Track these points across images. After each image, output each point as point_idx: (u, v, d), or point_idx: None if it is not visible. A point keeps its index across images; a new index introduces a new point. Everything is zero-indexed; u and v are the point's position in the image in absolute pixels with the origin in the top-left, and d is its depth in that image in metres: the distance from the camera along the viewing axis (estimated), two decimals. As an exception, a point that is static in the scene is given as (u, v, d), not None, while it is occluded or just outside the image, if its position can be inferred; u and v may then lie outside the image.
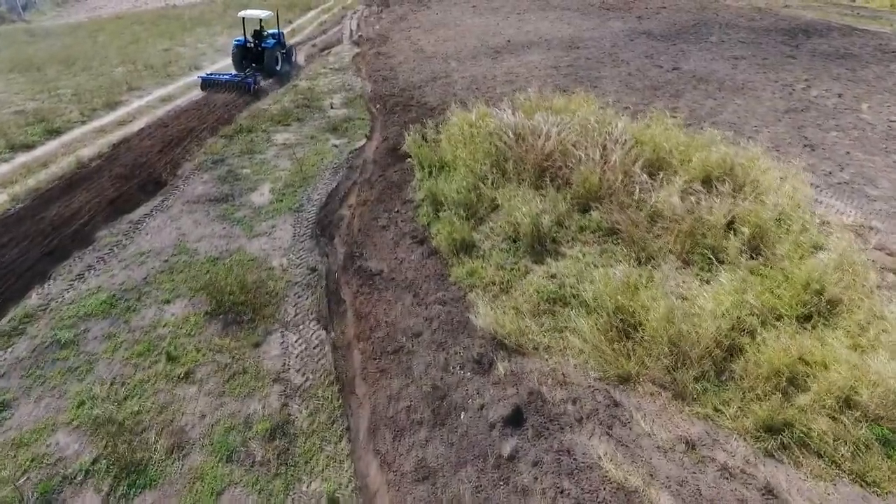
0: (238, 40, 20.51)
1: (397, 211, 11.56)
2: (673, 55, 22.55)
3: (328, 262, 10.11)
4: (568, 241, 9.80)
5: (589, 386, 7.15)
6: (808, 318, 8.00)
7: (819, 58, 22.03)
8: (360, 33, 28.00)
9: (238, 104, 17.89)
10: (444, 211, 10.70)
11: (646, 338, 7.52)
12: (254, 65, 20.17)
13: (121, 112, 17.32)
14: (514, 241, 9.78)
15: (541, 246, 9.55)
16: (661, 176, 10.93)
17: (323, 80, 20.48)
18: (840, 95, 17.70)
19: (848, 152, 13.80)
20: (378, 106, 17.88)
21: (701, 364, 7.21)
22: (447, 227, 10.02)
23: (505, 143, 11.65)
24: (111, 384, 7.35)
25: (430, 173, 12.18)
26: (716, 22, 28.70)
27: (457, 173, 11.55)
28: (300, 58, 23.44)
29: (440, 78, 20.28)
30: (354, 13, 32.81)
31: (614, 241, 9.69)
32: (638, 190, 10.30)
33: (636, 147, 11.74)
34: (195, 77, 20.59)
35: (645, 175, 10.87)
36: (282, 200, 12.05)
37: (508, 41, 25.25)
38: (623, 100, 17.72)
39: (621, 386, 7.21)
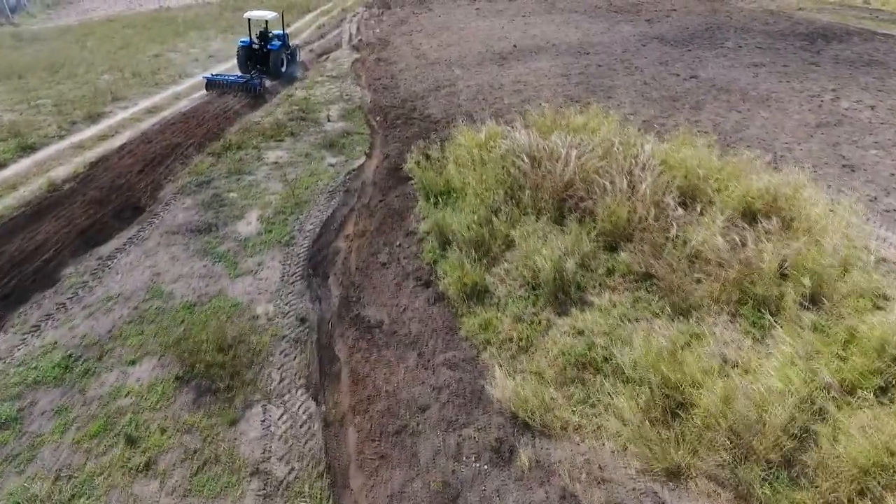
0: (243, 41, 19.89)
1: (399, 245, 10.25)
2: (689, 62, 21.20)
3: (321, 308, 8.79)
4: (595, 287, 8.46)
5: (633, 485, 5.85)
6: (884, 390, 6.73)
7: (843, 65, 20.67)
8: (359, 37, 26.64)
9: (229, 116, 16.57)
10: (452, 248, 9.39)
11: (698, 422, 6.24)
12: (259, 66, 19.70)
13: (102, 125, 15.99)
14: (534, 289, 8.48)
15: (564, 294, 8.25)
16: (696, 208, 9.63)
17: (320, 88, 19.15)
18: (873, 108, 16.35)
19: (892, 174, 12.50)
20: (378, 118, 16.55)
21: (768, 457, 5.93)
22: (456, 271, 8.70)
23: (519, 168, 10.34)
24: (56, 478, 6.03)
25: (436, 201, 10.87)
26: (729, 26, 27.33)
27: (465, 202, 10.22)
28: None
29: (444, 87, 18.95)
30: (354, 16, 31.43)
31: (648, 288, 8.37)
32: (675, 227, 8.97)
33: (665, 172, 10.44)
34: (184, 86, 19.29)
35: (679, 207, 9.58)
36: (271, 231, 10.74)
37: (515, 46, 23.91)
38: (640, 112, 16.39)
39: (670, 483, 5.92)
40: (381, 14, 31.82)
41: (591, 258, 8.78)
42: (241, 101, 17.68)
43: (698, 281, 8.31)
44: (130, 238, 10.53)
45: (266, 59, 19.81)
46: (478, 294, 8.53)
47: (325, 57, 23.44)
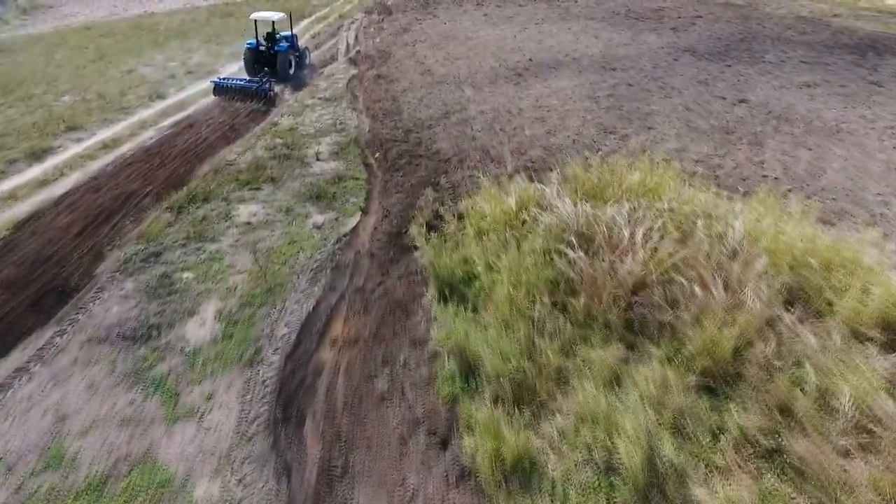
0: (250, 43, 18.63)
1: (404, 363, 7.35)
2: (731, 81, 18.22)
3: (289, 488, 5.96)
4: (700, 470, 5.57)
5: None
6: None
7: (910, 85, 17.74)
8: (357, 48, 23.58)
9: (199, 152, 13.57)
10: (479, 382, 6.53)
11: None
12: (266, 69, 18.44)
13: (46, 165, 13.03)
14: (608, 471, 5.63)
15: (659, 491, 5.39)
16: (821, 324, 6.76)
17: (310, 114, 16.17)
18: (969, 143, 13.47)
19: None
20: (377, 156, 13.59)
21: None
22: (489, 436, 5.83)
23: (568, 258, 7.45)
24: None
25: (452, 294, 7.99)
26: (764, 35, 24.30)
27: (494, 306, 7.36)
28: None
29: (454, 112, 15.98)
30: (352, 23, 28.33)
31: (781, 471, 5.49)
32: (809, 369, 6.02)
33: (759, 255, 7.54)
34: (154, 110, 16.30)
35: (796, 320, 6.69)
36: (231, 336, 7.83)
37: (530, 60, 20.90)
38: (689, 148, 13.45)
39: None
40: (381, 21, 28.73)
41: (687, 414, 5.93)
42: (217, 131, 14.73)
43: (850, 457, 5.46)
44: (40, 349, 7.61)
45: (273, 62, 18.44)
46: (522, 471, 5.68)
47: (319, 72, 20.42)
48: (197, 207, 11.05)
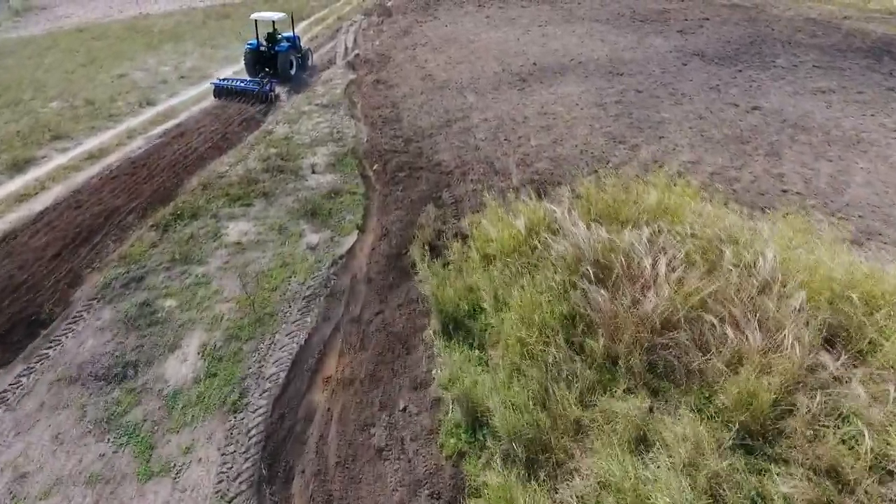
0: (251, 44, 18.37)
1: (404, 409, 6.64)
2: (744, 87, 17.50)
3: (274, 563, 5.28)
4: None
5: None
6: None
7: (929, 91, 17.02)
8: (356, 52, 22.85)
9: (189, 164, 12.86)
10: (486, 437, 5.84)
11: None
12: (267, 70, 18.27)
13: (28, 177, 12.31)
14: (636, 551, 4.95)
15: None
16: (867, 368, 6.06)
17: (306, 122, 15.45)
18: None
19: None
20: (376, 167, 12.88)
21: None
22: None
23: (585, 293, 6.75)
24: None
25: (456, 328, 7.31)
26: (774, 39, 23.56)
27: (504, 346, 6.67)
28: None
29: (456, 120, 15.27)
30: (351, 25, 27.58)
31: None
32: (862, 429, 5.27)
33: (796, 288, 6.83)
34: (143, 118, 15.59)
35: (840, 366, 5.99)
36: (214, 376, 7.14)
37: (535, 64, 20.17)
38: (704, 159, 12.74)
39: None
40: (381, 23, 27.99)
41: (724, 479, 5.24)
42: (208, 140, 14.02)
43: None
44: (3, 392, 6.90)
45: (274, 62, 18.21)
46: (537, 545, 4.99)
47: (316, 77, 19.69)
48: (184, 225, 10.34)
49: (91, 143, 13.92)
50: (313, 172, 12.35)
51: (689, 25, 26.01)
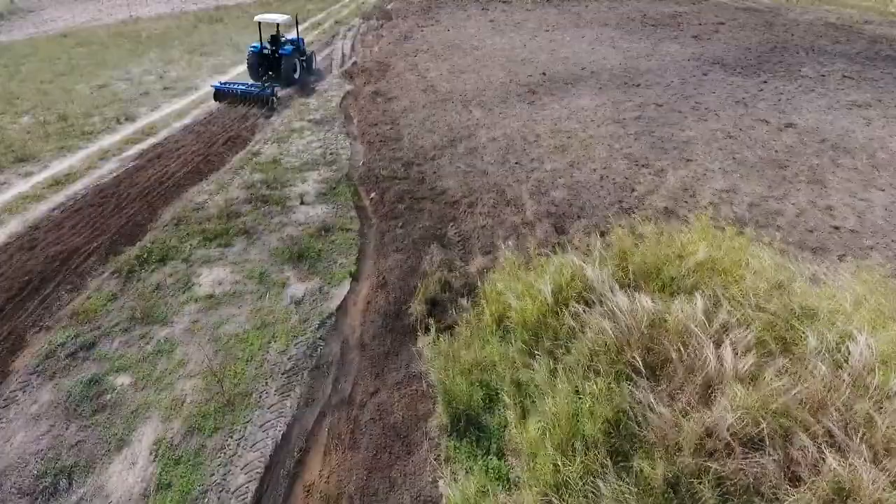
0: (253, 46, 17.67)
1: (404, 541, 5.26)
2: (772, 100, 16.01)
3: None
4: None
5: None
6: None
7: (975, 106, 15.50)
8: (353, 59, 21.35)
9: (165, 191, 11.37)
10: None
11: None
12: (270, 73, 17.52)
13: (-18, 208, 10.95)
14: None
15: None
16: None
17: (297, 141, 13.96)
18: None
19: None
20: (373, 196, 11.40)
21: None
22: None
23: (632, 396, 5.28)
24: None
25: (466, 423, 5.88)
26: (795, 45, 22.06)
27: (532, 466, 5.23)
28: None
29: (461, 139, 13.79)
30: (349, 30, 26.05)
31: None
32: None
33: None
34: (119, 136, 14.09)
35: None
36: (168, 487, 5.67)
37: (544, 73, 18.69)
38: (740, 187, 11.27)
39: None
40: (380, 27, 26.45)
41: None
42: (188, 163, 12.54)
43: None
44: None
45: (278, 65, 17.47)
46: None
47: (318, 82, 18.20)
48: (151, 271, 8.88)
49: (58, 167, 12.43)
50: (302, 203, 10.87)
51: (704, 30, 24.51)
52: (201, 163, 12.65)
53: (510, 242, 9.43)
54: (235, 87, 16.63)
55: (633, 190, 11.21)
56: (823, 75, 18.32)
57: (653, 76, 18.30)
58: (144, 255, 9.17)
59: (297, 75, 18.27)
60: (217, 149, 13.36)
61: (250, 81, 17.55)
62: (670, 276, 7.17)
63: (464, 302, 7.95)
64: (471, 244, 9.60)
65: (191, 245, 9.52)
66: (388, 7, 31.74)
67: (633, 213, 10.45)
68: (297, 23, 19.44)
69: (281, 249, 9.38)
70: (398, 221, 10.22)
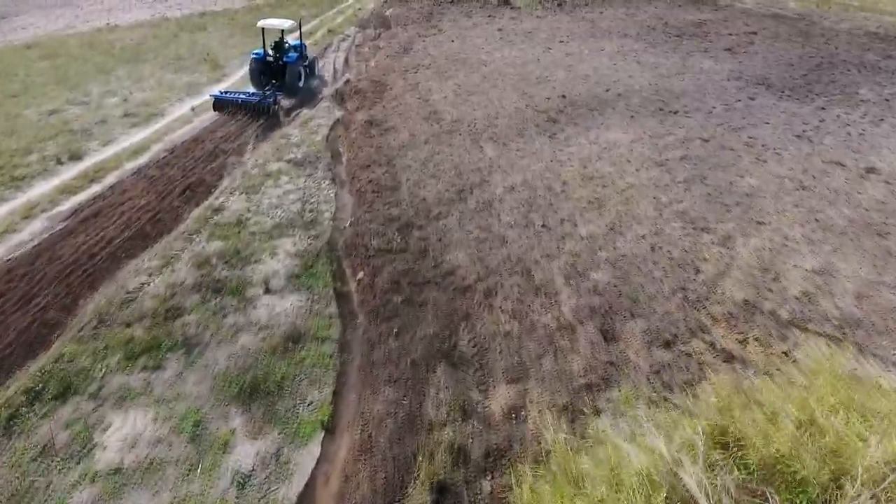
0: (256, 53, 15.99)
1: None
2: (839, 134, 13.16)
3: None
4: None
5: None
6: None
7: None
8: (346, 76, 18.51)
9: (93, 270, 8.49)
10: None
11: None
12: (274, 81, 16.10)
13: None
14: None
15: None
16: None
17: (272, 191, 11.16)
18: None
19: None
20: (361, 277, 8.64)
21: None
22: None
23: None
24: None
25: None
26: (843, 61, 19.15)
27: None
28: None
29: (472, 188, 10.98)
30: (343, 41, 23.13)
31: None
32: None
33: None
34: (55, 182, 11.28)
35: None
36: None
37: (564, 96, 15.84)
38: (837, 268, 8.48)
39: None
40: (377, 38, 23.51)
41: None
42: (131, 224, 9.75)
43: None
44: None
45: (282, 73, 16.13)
46: None
47: (294, 113, 15.40)
48: (41, 417, 6.14)
49: (-34, 231, 9.71)
50: (267, 292, 8.10)
51: (737, 42, 21.59)
52: (148, 223, 9.87)
53: (545, 365, 6.73)
54: (236, 96, 15.16)
55: (697, 270, 8.44)
56: (887, 99, 15.47)
57: (690, 100, 15.46)
58: (38, 387, 6.44)
59: (301, 83, 16.61)
60: (171, 202, 10.55)
61: (251, 90, 15.97)
62: (807, 473, 4.47)
63: (486, 485, 5.27)
64: (491, 362, 6.86)
65: (107, 366, 6.78)
66: (387, 13, 28.79)
67: (703, 306, 7.72)
68: (300, 27, 17.40)
69: (229, 377, 6.63)
70: (392, 325, 7.46)
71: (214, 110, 15.09)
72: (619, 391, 6.35)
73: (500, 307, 7.74)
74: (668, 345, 7.07)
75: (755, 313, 7.58)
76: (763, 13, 27.22)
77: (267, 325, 7.45)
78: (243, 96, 15.17)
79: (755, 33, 22.82)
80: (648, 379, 6.58)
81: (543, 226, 9.62)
